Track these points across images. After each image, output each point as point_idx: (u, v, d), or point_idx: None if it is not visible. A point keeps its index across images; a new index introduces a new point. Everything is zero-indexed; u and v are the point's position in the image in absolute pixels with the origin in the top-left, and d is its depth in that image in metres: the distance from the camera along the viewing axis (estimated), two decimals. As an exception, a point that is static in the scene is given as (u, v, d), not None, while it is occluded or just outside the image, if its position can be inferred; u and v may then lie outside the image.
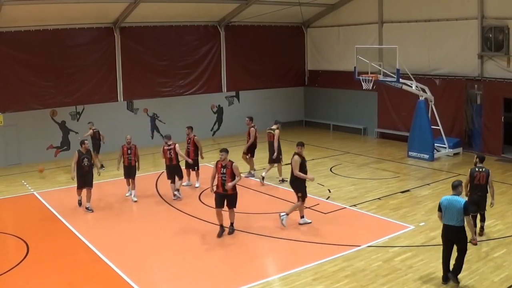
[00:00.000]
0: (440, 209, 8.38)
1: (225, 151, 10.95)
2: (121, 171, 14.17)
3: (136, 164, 13.93)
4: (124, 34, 20.34)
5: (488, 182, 10.02)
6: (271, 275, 9.28)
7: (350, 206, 12.86)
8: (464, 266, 9.00)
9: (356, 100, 22.62)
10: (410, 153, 18.13)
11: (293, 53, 25.25)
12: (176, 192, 13.73)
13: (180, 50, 21.81)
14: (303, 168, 11.44)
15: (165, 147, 13.79)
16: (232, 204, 10.93)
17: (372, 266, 9.34)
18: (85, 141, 13.05)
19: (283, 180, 15.12)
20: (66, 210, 13.03)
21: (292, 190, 11.79)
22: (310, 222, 11.63)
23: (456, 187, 8.38)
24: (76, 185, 13.10)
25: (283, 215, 11.41)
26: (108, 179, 16.10)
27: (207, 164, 17.74)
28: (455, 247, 8.45)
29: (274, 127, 15.27)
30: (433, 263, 9.33)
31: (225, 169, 10.79)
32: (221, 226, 10.93)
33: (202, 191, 14.31)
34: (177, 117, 21.71)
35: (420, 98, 17.74)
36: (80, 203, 13.22)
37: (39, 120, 18.64)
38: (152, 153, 19.54)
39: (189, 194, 14.19)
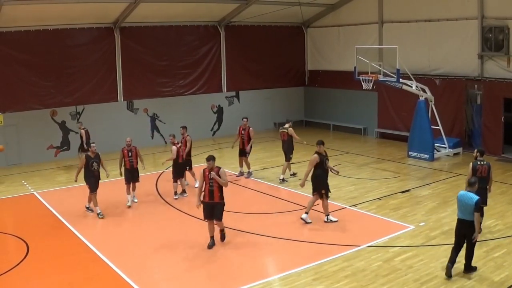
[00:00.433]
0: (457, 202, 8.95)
1: (212, 159, 10.31)
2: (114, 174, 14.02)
3: (139, 166, 13.59)
4: (124, 34, 20.34)
5: (490, 175, 10.48)
6: (271, 275, 9.28)
7: (350, 206, 12.86)
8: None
9: (356, 100, 22.62)
10: (410, 153, 18.13)
11: (293, 53, 25.26)
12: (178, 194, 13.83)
13: (180, 50, 21.82)
14: (323, 166, 11.58)
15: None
16: (218, 215, 10.26)
17: (372, 266, 9.34)
18: (92, 144, 12.90)
19: (283, 180, 15.19)
20: (66, 210, 13.03)
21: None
22: (310, 223, 11.64)
23: (472, 184, 8.82)
24: (72, 186, 13.09)
25: (326, 219, 11.69)
26: (108, 179, 16.08)
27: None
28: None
29: (286, 125, 15.49)
30: (433, 263, 9.34)
31: (212, 179, 10.16)
32: (212, 238, 10.39)
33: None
34: (177, 117, 21.70)
35: (420, 98, 17.74)
36: (90, 209, 12.83)
37: (39, 120, 18.63)
38: (152, 153, 19.55)
39: (188, 194, 14.18)
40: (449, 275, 8.71)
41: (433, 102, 17.98)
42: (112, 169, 15.86)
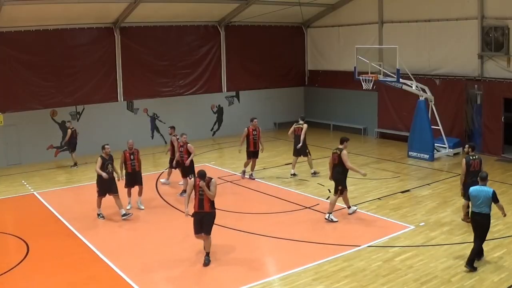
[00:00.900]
0: (469, 198, 9.40)
1: (204, 175, 9.54)
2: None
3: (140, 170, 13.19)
4: (124, 34, 20.35)
5: (482, 168, 10.84)
6: (271, 275, 9.28)
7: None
8: (464, 266, 9.12)
9: (356, 100, 22.62)
10: (410, 153, 18.13)
11: (293, 53, 25.26)
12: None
13: (180, 50, 21.82)
14: (343, 163, 11.78)
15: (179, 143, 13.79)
16: (207, 228, 9.56)
17: (372, 266, 9.34)
18: (106, 146, 12.31)
19: (315, 173, 15.66)
20: (66, 210, 13.03)
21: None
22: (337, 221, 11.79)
23: (485, 178, 9.19)
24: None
25: (327, 216, 11.77)
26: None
27: (207, 164, 17.77)
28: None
29: (301, 122, 15.72)
30: (433, 263, 9.34)
31: (202, 189, 9.52)
32: (207, 254, 9.73)
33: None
34: (177, 117, 21.71)
35: (420, 98, 17.74)
36: (101, 216, 12.35)
37: (39, 120, 18.63)
38: (152, 153, 19.56)
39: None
40: (471, 266, 9.06)
41: (433, 102, 17.98)
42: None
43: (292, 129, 15.86)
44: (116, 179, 12.47)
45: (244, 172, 15.85)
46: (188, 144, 13.71)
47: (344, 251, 10.03)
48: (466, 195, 10.36)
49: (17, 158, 18.34)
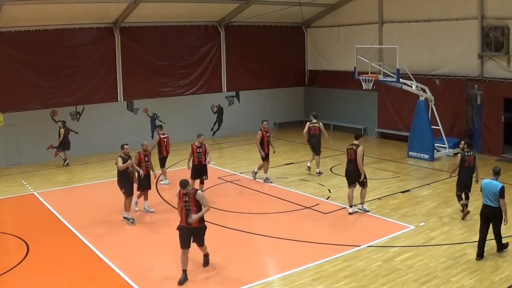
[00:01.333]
0: (460, 190, 9.88)
1: (187, 184, 8.86)
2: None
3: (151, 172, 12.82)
4: (124, 34, 20.35)
5: (476, 164, 11.45)
6: (271, 275, 9.28)
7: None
8: (464, 266, 9.20)
9: (356, 100, 22.62)
10: (410, 153, 18.13)
11: (293, 53, 25.26)
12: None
13: (180, 50, 21.82)
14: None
15: (194, 146, 13.34)
16: (200, 241, 9.11)
17: (372, 266, 9.34)
18: (125, 146, 11.98)
19: (320, 173, 15.76)
20: (66, 210, 13.04)
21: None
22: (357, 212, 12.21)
23: (498, 172, 9.53)
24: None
25: (361, 208, 12.24)
26: (108, 179, 16.11)
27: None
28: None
29: (314, 120, 15.80)
30: (433, 263, 9.34)
31: (187, 197, 8.82)
32: (184, 272, 8.91)
33: (203, 191, 14.25)
34: (177, 117, 21.73)
35: (420, 98, 17.74)
36: (131, 221, 11.97)
37: (39, 120, 18.62)
38: (152, 153, 19.50)
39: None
40: (480, 255, 9.42)
41: (433, 102, 17.98)
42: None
43: (306, 128, 15.88)
44: (138, 175, 12.34)
45: (255, 173, 15.52)
46: (206, 145, 13.50)
47: (344, 251, 10.03)
48: (460, 189, 11.52)
49: (17, 158, 18.35)
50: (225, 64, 23.20)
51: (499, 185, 9.27)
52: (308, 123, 16.03)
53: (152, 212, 12.80)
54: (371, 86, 17.27)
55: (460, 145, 12.03)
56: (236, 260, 9.93)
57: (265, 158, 15.14)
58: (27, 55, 18.30)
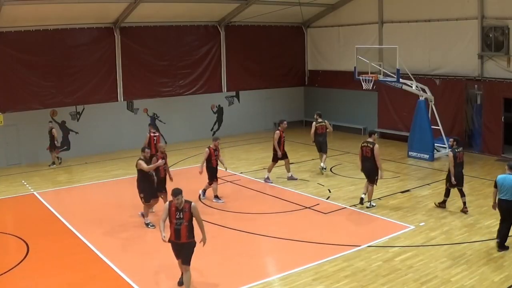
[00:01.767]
0: (495, 186, 9.83)
1: (180, 193, 8.19)
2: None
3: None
4: (124, 34, 20.35)
5: (464, 159, 12.20)
6: (271, 275, 9.27)
7: (350, 206, 12.85)
8: (464, 266, 9.19)
9: (356, 100, 22.62)
10: (410, 153, 18.13)
11: (293, 53, 25.27)
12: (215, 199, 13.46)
13: (180, 50, 21.82)
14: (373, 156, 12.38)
15: (211, 149, 13.31)
16: (185, 258, 8.33)
17: (372, 266, 9.34)
18: (146, 150, 11.86)
19: (324, 169, 16.00)
20: (66, 210, 13.03)
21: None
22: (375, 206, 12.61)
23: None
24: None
25: (364, 198, 12.57)
26: (108, 179, 16.13)
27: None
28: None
29: (320, 119, 16.01)
30: (433, 263, 9.34)
31: (182, 213, 8.19)
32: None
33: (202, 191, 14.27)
34: (177, 117, 21.74)
35: (420, 98, 17.74)
36: (152, 225, 11.65)
37: (39, 120, 18.61)
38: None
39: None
40: (503, 247, 9.76)
41: (433, 102, 17.98)
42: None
43: (314, 128, 15.94)
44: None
45: (268, 177, 15.35)
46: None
47: (344, 251, 10.02)
48: (452, 185, 12.00)
49: (17, 158, 18.35)
50: (225, 64, 23.20)
51: None
52: (314, 123, 16.11)
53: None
54: (371, 86, 17.27)
55: (449, 143, 12.54)
56: (236, 260, 9.93)
57: (282, 157, 15.13)
58: (27, 55, 18.30)
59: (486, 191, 13.87)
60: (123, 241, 10.99)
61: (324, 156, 16.04)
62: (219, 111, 23.30)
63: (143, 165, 11.54)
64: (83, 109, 19.67)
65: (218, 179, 13.67)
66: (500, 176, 9.77)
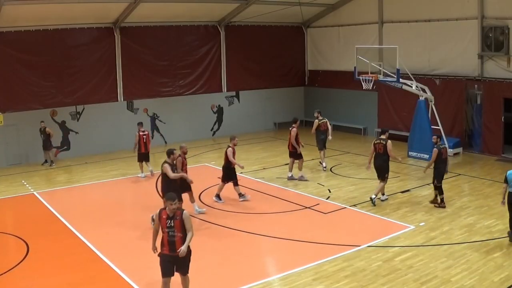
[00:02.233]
0: (506, 181, 10.05)
1: (177, 198, 7.89)
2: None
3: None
4: (124, 34, 20.35)
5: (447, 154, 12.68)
6: (271, 275, 9.27)
7: (350, 206, 12.86)
8: (464, 266, 9.17)
9: (356, 100, 22.62)
10: (410, 153, 18.13)
11: (293, 53, 25.27)
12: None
13: (180, 50, 21.82)
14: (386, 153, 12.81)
15: (233, 149, 13.19)
16: (184, 269, 7.88)
17: (372, 266, 9.34)
18: (175, 151, 11.47)
19: (325, 166, 16.35)
20: (66, 210, 13.03)
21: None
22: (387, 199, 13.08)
23: None
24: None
25: (374, 198, 12.75)
26: (108, 179, 16.13)
27: (207, 164, 17.77)
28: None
29: (321, 117, 16.46)
30: (433, 263, 9.34)
31: (172, 221, 7.59)
32: None
33: (203, 191, 14.28)
34: (177, 117, 21.74)
35: (420, 98, 17.74)
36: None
37: (39, 120, 18.61)
38: (152, 153, 19.49)
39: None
40: None
41: (433, 102, 17.97)
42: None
43: (316, 125, 16.33)
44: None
45: (292, 176, 15.42)
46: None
47: (344, 251, 10.02)
48: (440, 180, 12.41)
49: (17, 158, 18.35)
50: (225, 64, 23.20)
51: None
52: (316, 120, 16.42)
53: (204, 212, 12.39)
54: (371, 86, 17.27)
55: (433, 140, 12.83)
56: (236, 260, 9.92)
57: (299, 156, 15.21)
58: (27, 55, 18.30)
59: (486, 191, 13.89)
60: (123, 241, 10.98)
61: (324, 151, 16.44)
62: (219, 111, 23.30)
63: (169, 172, 11.06)
64: (83, 109, 19.67)
65: (218, 179, 13.65)
66: (510, 171, 10.03)
